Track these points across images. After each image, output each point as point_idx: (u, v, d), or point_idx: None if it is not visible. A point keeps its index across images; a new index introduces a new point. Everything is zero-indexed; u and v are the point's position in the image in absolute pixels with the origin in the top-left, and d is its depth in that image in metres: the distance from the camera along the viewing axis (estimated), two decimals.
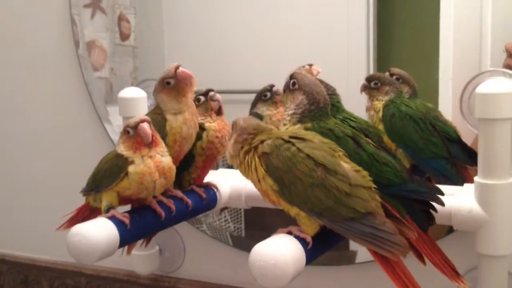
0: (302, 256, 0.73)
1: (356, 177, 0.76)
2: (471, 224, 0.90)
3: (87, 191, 0.94)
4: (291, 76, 0.89)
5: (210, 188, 1.07)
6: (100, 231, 0.82)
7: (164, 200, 0.95)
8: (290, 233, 0.77)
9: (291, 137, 0.78)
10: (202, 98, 1.03)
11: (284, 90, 0.90)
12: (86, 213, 0.98)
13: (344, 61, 1.20)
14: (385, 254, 0.74)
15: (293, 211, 0.77)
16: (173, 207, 0.95)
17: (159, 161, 0.87)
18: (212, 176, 1.09)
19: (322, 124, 0.85)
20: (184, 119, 0.94)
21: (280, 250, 0.71)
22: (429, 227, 0.89)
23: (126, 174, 0.87)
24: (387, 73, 1.14)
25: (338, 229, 0.75)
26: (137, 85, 1.34)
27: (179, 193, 0.99)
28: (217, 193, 1.07)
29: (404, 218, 0.84)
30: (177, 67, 0.94)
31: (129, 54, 1.44)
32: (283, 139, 0.77)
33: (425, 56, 1.17)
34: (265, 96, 1.13)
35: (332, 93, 0.92)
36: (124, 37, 1.44)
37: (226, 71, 1.31)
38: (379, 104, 1.07)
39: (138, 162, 0.86)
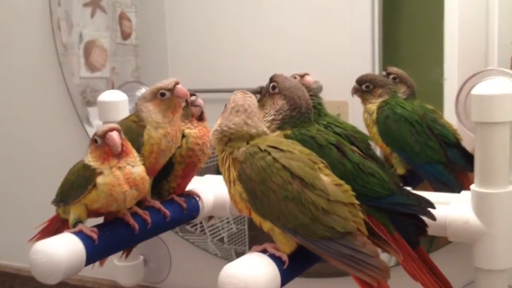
0: (277, 277, 0.67)
1: (336, 192, 0.70)
2: (468, 235, 0.84)
3: (56, 202, 0.88)
4: (271, 79, 0.82)
5: (191, 197, 1.01)
6: (63, 248, 0.76)
7: (139, 211, 0.90)
8: (265, 251, 0.70)
9: (268, 145, 0.71)
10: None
11: (264, 94, 0.84)
12: (58, 224, 0.93)
13: (348, 59, 1.15)
14: (363, 278, 0.68)
15: (265, 225, 0.71)
16: (148, 219, 0.89)
17: (129, 172, 0.82)
18: (195, 184, 1.03)
19: (303, 131, 0.78)
20: (166, 132, 0.88)
21: (251, 271, 0.65)
22: (419, 242, 0.82)
23: (94, 186, 0.81)
24: (384, 72, 1.08)
25: (313, 248, 0.68)
26: (118, 88, 1.28)
27: (156, 204, 0.94)
28: (199, 202, 1.01)
29: (391, 234, 0.78)
30: (177, 82, 0.89)
31: (131, 53, 1.41)
32: (259, 148, 0.71)
33: (430, 54, 1.12)
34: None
35: (313, 94, 0.85)
36: (125, 35, 1.41)
37: (229, 70, 1.27)
38: (373, 106, 1.01)
39: (107, 173, 0.81)
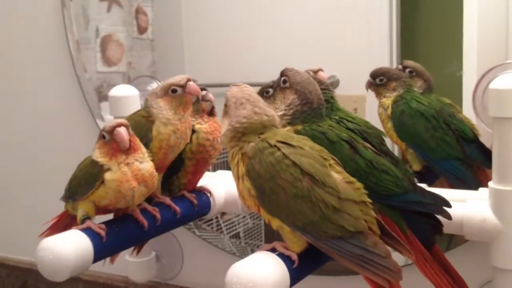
0: (286, 277, 0.65)
1: (348, 190, 0.67)
2: (485, 234, 0.81)
3: (65, 199, 0.87)
4: (282, 73, 0.80)
5: (203, 193, 0.99)
6: (71, 245, 0.75)
7: (149, 208, 0.88)
8: (274, 249, 0.69)
9: (278, 141, 0.69)
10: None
11: (275, 88, 0.82)
12: (67, 221, 0.92)
13: (365, 53, 1.12)
14: (375, 279, 0.66)
15: (274, 223, 0.69)
16: (158, 215, 0.88)
17: (137, 168, 0.80)
18: (207, 180, 1.02)
19: (314, 126, 0.76)
20: (175, 129, 0.87)
21: (260, 271, 0.63)
22: (435, 241, 0.80)
23: (102, 182, 0.80)
24: (400, 66, 1.05)
25: (323, 247, 0.66)
26: (130, 83, 1.27)
27: (166, 200, 0.92)
28: (211, 199, 1.00)
29: (405, 233, 0.76)
30: (189, 79, 0.87)
31: (147, 48, 1.40)
32: (268, 143, 0.69)
33: (449, 47, 1.09)
34: (267, 92, 1.05)
35: (325, 87, 0.83)
36: (141, 30, 1.40)
37: (245, 64, 1.25)
38: (387, 101, 0.99)
39: (115, 170, 0.79)
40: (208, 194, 1.00)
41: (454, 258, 0.85)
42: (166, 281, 1.28)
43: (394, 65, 1.09)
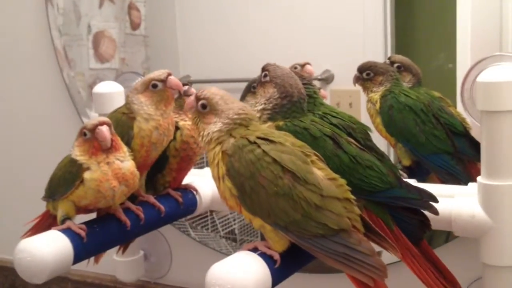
0: (267, 277, 0.64)
1: (330, 187, 0.66)
2: (474, 230, 0.79)
3: (45, 198, 0.85)
4: (263, 68, 0.79)
5: (188, 191, 0.97)
6: (49, 246, 0.73)
7: (132, 207, 0.87)
8: (256, 249, 0.67)
9: (258, 137, 0.67)
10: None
11: (257, 84, 0.80)
12: (50, 220, 0.90)
13: (360, 48, 1.10)
14: (359, 278, 0.64)
15: (256, 222, 0.67)
16: (141, 214, 0.86)
17: (118, 167, 0.78)
18: (193, 177, 1.00)
19: (296, 122, 0.74)
20: (157, 125, 0.85)
21: (240, 271, 0.62)
22: (422, 237, 0.78)
23: (82, 181, 0.78)
24: (387, 61, 1.04)
25: (306, 246, 0.65)
26: (116, 79, 1.25)
27: (151, 199, 0.90)
28: (197, 196, 0.98)
29: (391, 229, 0.74)
30: (169, 73, 0.85)
31: (141, 44, 1.38)
32: (248, 140, 0.67)
33: (444, 41, 1.07)
34: (254, 88, 1.03)
35: (307, 82, 0.81)
36: (134, 26, 1.38)
37: (239, 60, 1.23)
38: (375, 95, 0.97)
39: (94, 169, 0.77)
40: (194, 192, 0.98)
41: (444, 254, 0.84)
42: (154, 280, 1.26)
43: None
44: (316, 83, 1.09)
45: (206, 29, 1.27)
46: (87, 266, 0.91)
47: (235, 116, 0.69)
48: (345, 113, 0.80)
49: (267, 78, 0.77)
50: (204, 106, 0.71)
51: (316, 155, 0.69)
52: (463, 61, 1.01)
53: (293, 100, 0.76)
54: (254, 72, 0.85)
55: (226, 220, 1.25)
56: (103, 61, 1.39)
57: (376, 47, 1.08)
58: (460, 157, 0.95)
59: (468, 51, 1.01)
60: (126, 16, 1.37)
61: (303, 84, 0.78)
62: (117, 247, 1.03)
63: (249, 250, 0.67)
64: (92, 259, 0.92)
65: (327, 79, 1.12)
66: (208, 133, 0.70)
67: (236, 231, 1.25)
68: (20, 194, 1.51)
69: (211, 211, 1.22)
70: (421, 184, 0.87)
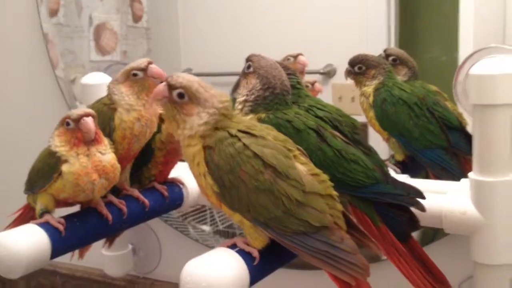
0: (245, 275, 0.61)
1: (313, 182, 0.63)
2: (465, 227, 0.77)
3: (26, 191, 0.83)
4: (247, 58, 0.76)
5: (175, 185, 0.95)
6: (26, 241, 0.71)
7: (115, 200, 0.84)
8: (234, 245, 0.65)
9: (239, 130, 0.65)
10: None
11: (240, 76, 0.77)
12: (31, 213, 0.88)
13: (363, 42, 1.08)
14: (341, 277, 0.62)
15: (235, 217, 0.64)
16: (124, 208, 0.84)
17: (98, 160, 0.76)
18: (181, 170, 0.97)
19: (279, 114, 0.72)
20: (139, 115, 0.82)
21: (216, 269, 0.59)
22: (410, 234, 0.76)
23: (60, 174, 0.76)
24: (382, 54, 1.01)
25: (287, 243, 0.62)
26: (104, 70, 1.23)
27: (135, 192, 0.88)
28: (183, 190, 0.96)
29: (377, 226, 0.72)
30: (150, 62, 0.83)
31: (142, 36, 1.37)
32: (229, 133, 0.64)
33: (447, 33, 1.04)
34: None
35: (291, 73, 0.78)
36: (136, 18, 1.36)
37: (242, 52, 1.16)
38: (369, 89, 0.94)
39: (73, 161, 0.75)
40: (181, 186, 0.96)
41: (434, 252, 0.81)
42: (143, 274, 1.24)
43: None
44: (318, 77, 1.08)
45: (208, 22, 1.26)
46: (75, 260, 0.89)
47: (220, 105, 0.65)
48: (333, 106, 0.78)
49: (251, 69, 0.74)
50: (181, 95, 0.65)
51: (299, 150, 0.66)
52: (465, 55, 0.98)
53: (275, 92, 0.73)
54: None
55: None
56: (104, 53, 1.38)
57: (379, 40, 1.06)
58: (454, 152, 0.92)
59: (471, 44, 0.98)
60: (128, 9, 1.36)
61: (287, 74, 0.75)
62: (103, 241, 1.01)
63: (228, 246, 0.64)
64: (76, 253, 0.90)
65: (329, 73, 1.10)
66: (192, 127, 0.65)
67: (235, 225, 1.22)
68: (5, 186, 1.49)
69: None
70: (413, 180, 0.85)
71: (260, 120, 0.72)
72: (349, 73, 0.96)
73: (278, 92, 0.73)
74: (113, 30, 1.37)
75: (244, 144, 0.63)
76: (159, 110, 0.86)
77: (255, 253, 0.64)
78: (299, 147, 0.66)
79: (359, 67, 0.94)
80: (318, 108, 0.75)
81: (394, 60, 0.99)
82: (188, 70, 1.23)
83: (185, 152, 0.66)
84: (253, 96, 0.73)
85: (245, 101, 0.74)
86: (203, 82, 0.67)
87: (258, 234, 0.64)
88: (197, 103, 0.65)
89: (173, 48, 1.31)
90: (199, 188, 0.68)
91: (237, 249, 0.64)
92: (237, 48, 1.21)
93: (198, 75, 0.86)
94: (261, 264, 0.64)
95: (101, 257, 1.14)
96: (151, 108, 0.83)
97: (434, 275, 0.77)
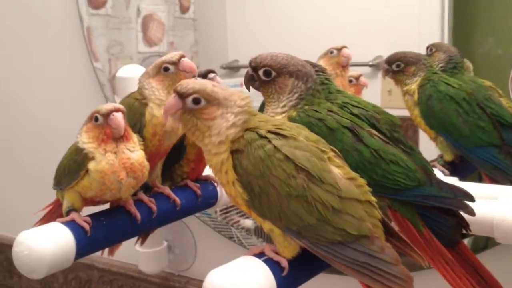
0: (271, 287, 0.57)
1: (349, 187, 0.58)
2: None
3: (54, 187, 0.81)
4: (256, 67, 0.69)
5: (209, 183, 0.92)
6: (49, 240, 0.69)
7: (145, 199, 0.81)
8: (262, 254, 0.60)
9: (269, 131, 0.60)
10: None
11: (259, 87, 0.70)
12: (60, 210, 0.85)
13: (415, 32, 1.05)
14: None
15: (265, 226, 0.60)
16: (154, 207, 0.81)
17: (126, 157, 0.73)
18: None
19: (310, 112, 0.66)
20: None
21: (240, 279, 0.55)
22: (459, 240, 0.69)
23: (87, 172, 0.73)
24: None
25: (321, 254, 0.57)
26: (141, 62, 1.21)
27: (166, 190, 0.85)
28: (218, 189, 0.92)
29: (421, 232, 0.66)
30: (182, 55, 0.80)
31: (189, 27, 1.37)
32: (258, 134, 0.60)
33: (504, 22, 1.00)
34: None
35: (319, 69, 0.73)
36: (184, 9, 1.37)
37: (290, 43, 1.18)
38: (413, 86, 0.90)
39: (99, 159, 0.72)
40: (215, 184, 0.92)
41: (486, 260, 0.74)
42: (178, 272, 1.22)
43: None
44: (367, 70, 1.05)
45: (256, 13, 1.24)
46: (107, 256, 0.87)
47: (243, 103, 0.60)
48: (369, 102, 0.72)
49: (273, 74, 0.68)
50: (196, 101, 0.60)
51: (333, 151, 0.61)
52: None
53: (313, 78, 0.68)
54: (306, 55, 0.77)
55: None
56: (151, 44, 1.38)
57: (431, 31, 1.02)
58: (509, 151, 0.86)
59: None
60: (176, 0, 1.35)
61: (315, 71, 0.70)
62: (136, 238, 0.99)
63: (255, 254, 0.60)
64: (106, 250, 0.88)
65: (378, 66, 1.06)
66: (219, 131, 0.60)
67: None
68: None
69: None
70: (462, 183, 0.79)
71: (290, 119, 0.66)
72: (387, 72, 0.91)
73: (315, 78, 0.68)
74: (161, 21, 1.38)
75: (274, 146, 0.58)
76: None
77: (284, 263, 0.59)
78: (333, 148, 0.61)
79: (397, 65, 0.90)
80: (353, 105, 0.70)
81: (430, 50, 0.95)
82: (235, 62, 1.22)
83: (211, 161, 0.61)
84: (296, 95, 0.68)
85: (288, 102, 0.68)
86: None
87: (288, 242, 0.59)
88: (217, 104, 0.60)
89: (220, 40, 1.30)
90: (229, 198, 0.63)
91: (264, 257, 0.59)
92: (286, 39, 1.19)
93: (244, 67, 0.83)
94: (290, 275, 0.59)
95: (137, 252, 1.11)
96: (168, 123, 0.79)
97: (488, 282, 0.71)
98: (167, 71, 0.79)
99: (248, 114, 0.61)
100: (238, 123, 0.60)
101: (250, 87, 0.71)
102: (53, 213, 0.86)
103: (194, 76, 0.81)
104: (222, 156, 0.60)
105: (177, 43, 1.37)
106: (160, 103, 0.79)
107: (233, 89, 0.61)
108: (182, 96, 0.60)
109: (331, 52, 0.93)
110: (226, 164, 0.60)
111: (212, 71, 0.87)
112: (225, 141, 0.60)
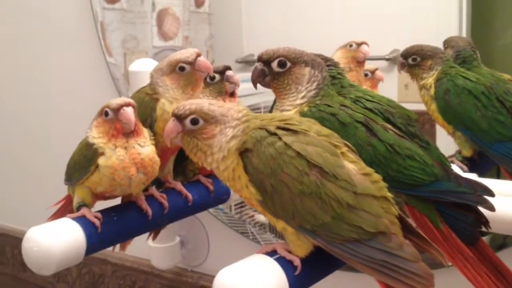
0: (283, 287, 0.55)
1: (364, 183, 0.56)
2: None
3: (66, 182, 0.80)
4: (272, 57, 0.67)
5: None
6: (59, 236, 0.68)
7: (156, 194, 0.80)
8: (274, 252, 0.59)
9: (279, 127, 0.58)
10: (217, 77, 0.87)
11: (272, 80, 0.68)
12: (72, 205, 0.85)
13: (433, 25, 1.03)
14: None
15: (279, 225, 0.58)
16: (165, 203, 0.80)
17: (136, 152, 0.72)
18: None
19: (322, 107, 0.64)
20: None
21: (251, 279, 0.54)
22: (478, 236, 0.68)
23: (97, 167, 0.72)
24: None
25: (337, 252, 0.56)
26: (154, 56, 1.20)
27: (178, 185, 0.84)
28: None
29: (439, 228, 0.64)
30: (198, 54, 0.78)
31: (204, 21, 1.36)
32: (267, 130, 0.58)
33: None
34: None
35: (331, 64, 0.72)
36: (199, 3, 1.36)
37: (306, 38, 1.17)
38: (429, 80, 0.87)
39: (109, 154, 0.71)
40: None
41: (507, 259, 0.73)
42: (191, 268, 1.21)
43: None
44: (383, 63, 1.03)
45: (271, 7, 1.23)
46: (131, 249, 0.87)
47: (240, 115, 0.60)
48: (383, 96, 0.71)
49: (289, 65, 0.66)
50: (194, 121, 0.60)
51: (347, 146, 0.59)
52: None
53: (326, 68, 0.67)
54: (322, 51, 0.77)
55: None
56: (166, 39, 1.37)
57: (449, 25, 1.00)
58: None
59: None
60: None
61: (327, 65, 0.68)
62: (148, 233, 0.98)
63: (267, 253, 0.58)
64: (118, 245, 0.87)
65: (395, 59, 1.04)
66: (220, 147, 0.59)
67: None
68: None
69: None
70: (482, 179, 0.77)
71: (302, 114, 0.65)
72: (402, 66, 0.89)
73: (326, 68, 0.67)
74: (176, 16, 1.37)
75: (285, 143, 0.57)
76: None
77: (297, 262, 0.58)
78: (346, 142, 0.59)
79: (414, 59, 0.87)
80: (367, 99, 0.68)
81: (445, 46, 0.93)
82: (250, 56, 1.21)
83: (223, 176, 0.61)
84: (315, 84, 0.66)
85: (308, 93, 0.66)
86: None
87: (301, 241, 0.58)
88: (215, 122, 0.60)
89: (236, 34, 1.29)
90: (245, 201, 0.62)
91: (276, 256, 0.58)
92: (301, 33, 1.18)
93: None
94: (303, 274, 0.57)
95: (149, 248, 1.11)
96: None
97: (510, 283, 0.69)
98: (183, 71, 0.78)
99: (247, 122, 0.60)
100: (238, 133, 0.60)
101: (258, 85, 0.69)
102: (66, 208, 0.86)
103: (221, 76, 0.81)
104: (231, 166, 0.59)
105: (192, 38, 1.36)
106: (173, 100, 0.78)
107: (230, 104, 0.62)
108: (180, 118, 0.61)
109: (350, 46, 0.92)
110: (237, 169, 0.59)
111: (229, 68, 0.87)
112: (228, 155, 0.59)
